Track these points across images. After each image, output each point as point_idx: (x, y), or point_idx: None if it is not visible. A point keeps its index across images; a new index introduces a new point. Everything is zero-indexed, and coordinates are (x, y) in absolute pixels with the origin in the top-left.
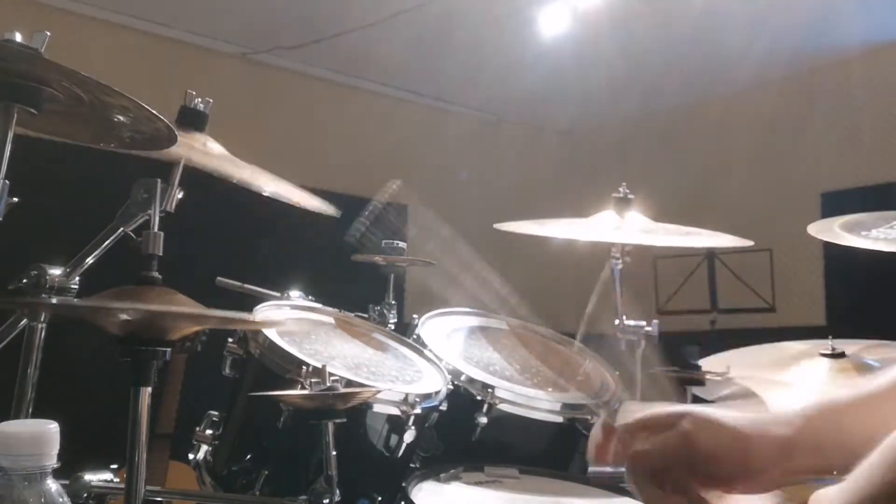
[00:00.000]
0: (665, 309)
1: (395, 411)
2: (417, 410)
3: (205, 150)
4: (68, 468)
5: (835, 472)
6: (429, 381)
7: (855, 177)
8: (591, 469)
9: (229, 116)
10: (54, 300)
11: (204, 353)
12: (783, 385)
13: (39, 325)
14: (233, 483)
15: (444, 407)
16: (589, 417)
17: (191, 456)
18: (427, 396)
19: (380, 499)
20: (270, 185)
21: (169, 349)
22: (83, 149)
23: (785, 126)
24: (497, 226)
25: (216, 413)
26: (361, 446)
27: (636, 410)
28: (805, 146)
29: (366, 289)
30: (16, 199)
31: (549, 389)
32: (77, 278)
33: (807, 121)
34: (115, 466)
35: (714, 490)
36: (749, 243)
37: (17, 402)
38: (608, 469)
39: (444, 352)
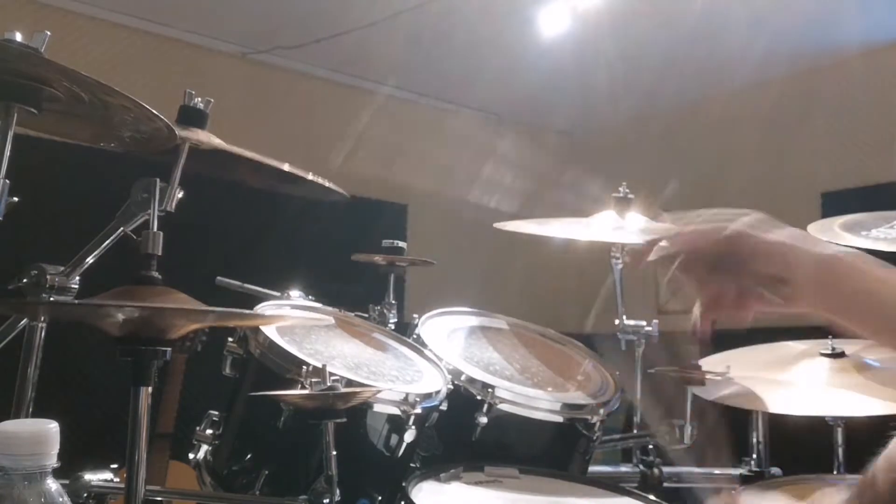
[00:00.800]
0: (665, 309)
1: (395, 411)
2: (418, 410)
3: (208, 142)
4: (68, 468)
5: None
6: (429, 381)
7: (855, 177)
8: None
9: (229, 116)
10: (54, 300)
11: (204, 353)
12: (783, 385)
13: (39, 325)
14: (233, 483)
15: (444, 407)
16: (589, 417)
17: (191, 456)
18: (427, 396)
19: (380, 499)
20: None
21: (169, 349)
22: (83, 149)
23: (785, 126)
24: (497, 225)
25: (216, 413)
26: (361, 446)
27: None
28: (805, 146)
29: (366, 289)
30: (16, 199)
31: (549, 389)
32: (77, 278)
33: (807, 121)
34: (115, 466)
35: (749, 284)
36: None
37: (17, 402)
38: (608, 468)
39: (445, 352)
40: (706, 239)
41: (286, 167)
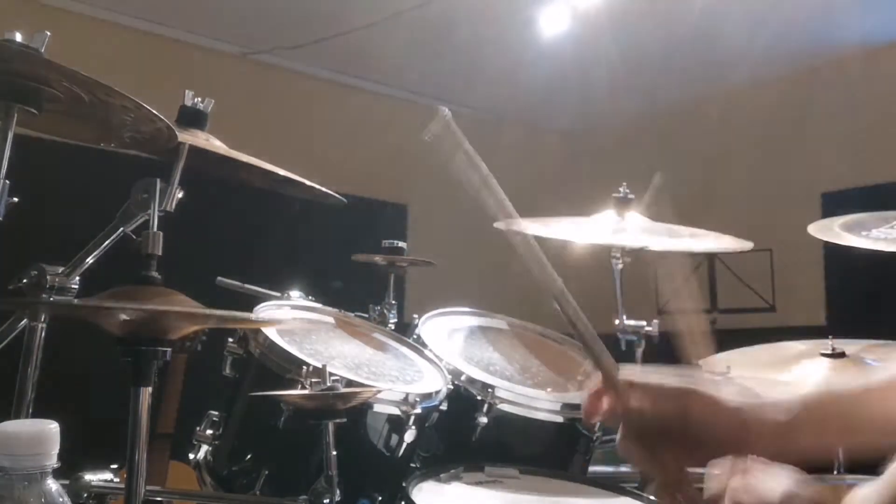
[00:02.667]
0: (665, 309)
1: (395, 411)
2: (418, 410)
3: (208, 144)
4: (68, 468)
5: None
6: (429, 381)
7: (855, 177)
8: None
9: (229, 116)
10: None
11: (204, 353)
12: (783, 385)
13: (39, 325)
14: (233, 483)
15: (444, 407)
16: None
17: (191, 456)
18: (427, 396)
19: (380, 499)
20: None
21: (169, 349)
22: (83, 149)
23: (785, 126)
24: (497, 225)
25: (216, 413)
26: (362, 446)
27: (643, 373)
28: (805, 146)
29: (366, 289)
30: (16, 199)
31: (549, 389)
32: (77, 278)
33: (807, 120)
34: (115, 466)
35: (703, 458)
36: (749, 245)
37: (17, 402)
38: (608, 468)
39: (445, 352)
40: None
41: (282, 172)
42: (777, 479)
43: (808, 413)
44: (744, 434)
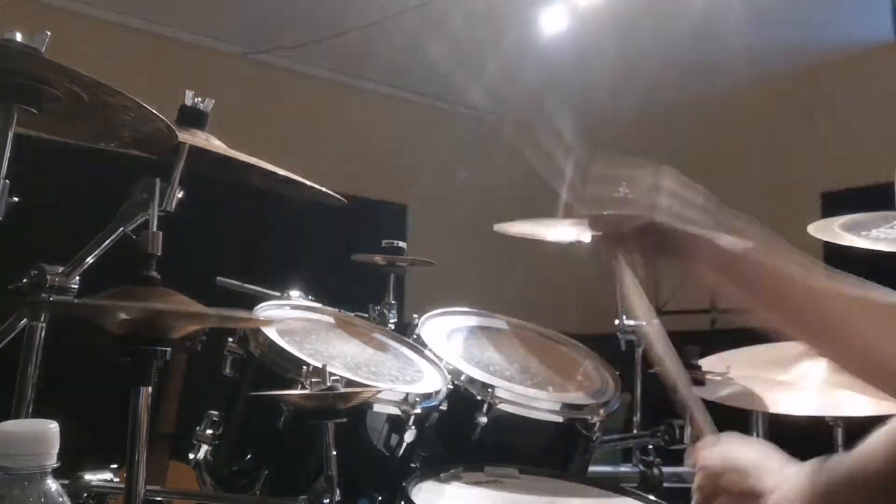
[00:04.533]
0: (665, 309)
1: (395, 411)
2: (418, 410)
3: (208, 144)
4: (68, 468)
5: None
6: (429, 381)
7: (855, 177)
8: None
9: (229, 116)
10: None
11: (204, 353)
12: (783, 385)
13: (39, 325)
14: (233, 483)
15: (444, 407)
16: (589, 417)
17: (191, 456)
18: (427, 396)
19: (380, 499)
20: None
21: (169, 349)
22: (83, 149)
23: (785, 126)
24: (497, 226)
25: (216, 413)
26: (361, 446)
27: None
28: (805, 146)
29: (366, 289)
30: (16, 199)
31: (549, 389)
32: (77, 278)
33: (807, 121)
34: (115, 466)
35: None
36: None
37: (17, 402)
38: (608, 468)
39: (444, 352)
40: (622, 224)
41: (282, 172)
42: (747, 447)
43: (750, 260)
44: (698, 244)
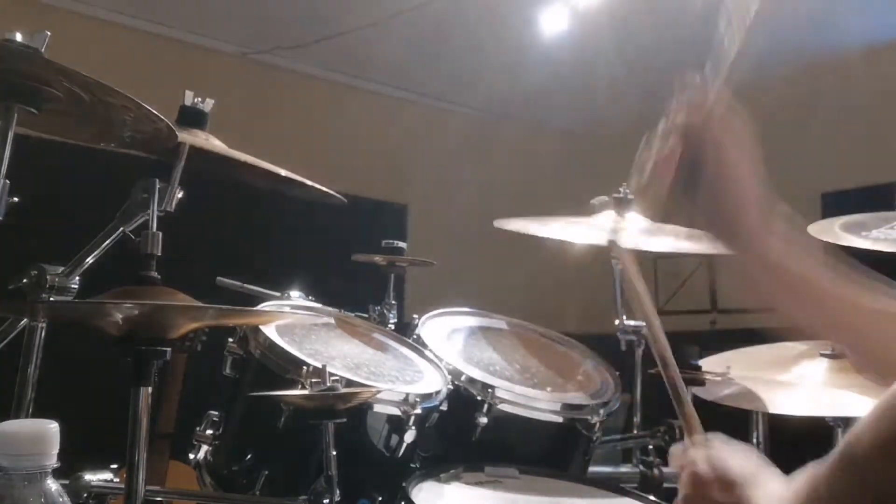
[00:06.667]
0: (665, 309)
1: (395, 411)
2: (418, 410)
3: (208, 144)
4: (68, 468)
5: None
6: (429, 382)
7: (855, 177)
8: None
9: (229, 116)
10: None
11: (204, 353)
12: (783, 385)
13: (39, 325)
14: (233, 483)
15: (444, 407)
16: (589, 417)
17: (191, 456)
18: (427, 396)
19: (380, 499)
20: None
21: (169, 349)
22: (83, 149)
23: (785, 126)
24: (496, 223)
25: (216, 413)
26: (362, 446)
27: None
28: (805, 146)
29: (366, 289)
30: (16, 199)
31: (549, 389)
32: (77, 278)
33: (807, 121)
34: (115, 466)
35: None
36: None
37: (17, 402)
38: (608, 468)
39: (445, 352)
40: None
41: (282, 172)
42: (737, 456)
43: (784, 246)
44: (745, 201)
